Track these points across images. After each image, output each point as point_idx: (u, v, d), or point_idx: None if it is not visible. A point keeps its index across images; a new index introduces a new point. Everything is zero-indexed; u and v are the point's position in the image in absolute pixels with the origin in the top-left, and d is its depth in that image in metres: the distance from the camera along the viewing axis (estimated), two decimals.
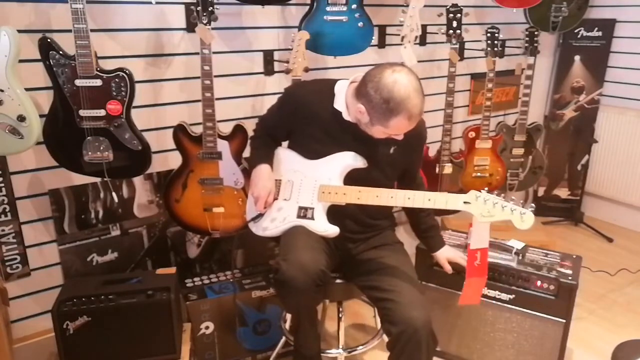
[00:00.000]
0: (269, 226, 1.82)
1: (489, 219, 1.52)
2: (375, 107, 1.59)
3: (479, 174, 2.90)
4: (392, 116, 1.57)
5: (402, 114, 1.56)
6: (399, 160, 1.81)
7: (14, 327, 2.05)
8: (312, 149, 1.81)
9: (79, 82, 1.77)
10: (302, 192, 1.80)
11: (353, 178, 1.76)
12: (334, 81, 1.79)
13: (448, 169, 2.79)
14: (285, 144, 1.95)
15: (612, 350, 2.10)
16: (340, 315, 1.92)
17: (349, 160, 1.76)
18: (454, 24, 2.61)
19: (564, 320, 1.99)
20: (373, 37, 2.39)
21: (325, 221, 1.74)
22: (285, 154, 1.89)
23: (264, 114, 2.02)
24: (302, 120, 1.81)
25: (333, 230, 1.72)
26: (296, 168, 1.83)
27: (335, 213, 1.76)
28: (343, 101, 1.74)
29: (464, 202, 1.54)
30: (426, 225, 1.96)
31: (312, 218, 1.74)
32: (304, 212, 1.76)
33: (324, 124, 1.77)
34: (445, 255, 2.00)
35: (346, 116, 1.74)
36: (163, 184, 2.20)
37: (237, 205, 2.14)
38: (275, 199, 1.84)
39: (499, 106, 3.33)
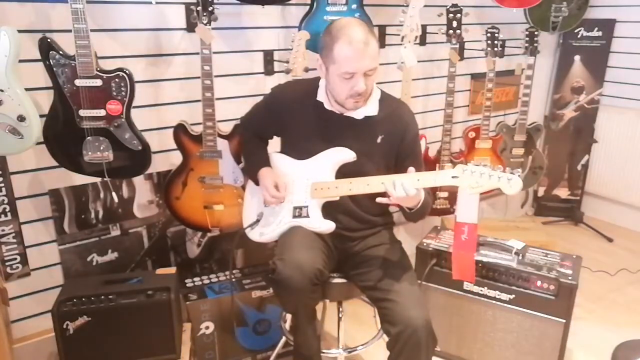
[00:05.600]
0: (265, 231, 1.82)
1: (478, 189, 1.53)
2: (323, 47, 1.67)
3: None
4: (334, 45, 1.62)
5: (342, 39, 1.61)
6: (388, 149, 1.80)
7: (14, 327, 2.05)
8: (302, 149, 1.82)
9: (79, 82, 1.77)
10: (295, 193, 1.80)
11: (345, 173, 1.76)
12: (319, 78, 1.82)
13: (448, 169, 2.79)
14: (275, 147, 1.97)
15: (612, 350, 2.10)
16: (340, 315, 1.92)
17: (339, 155, 1.76)
18: (454, 24, 2.61)
19: (564, 320, 1.99)
20: None
21: (321, 217, 1.74)
22: (275, 159, 1.90)
23: (247, 115, 2.04)
24: (290, 121, 1.84)
25: (328, 226, 1.72)
26: (287, 171, 1.84)
27: (330, 210, 1.77)
28: (324, 91, 1.78)
29: (452, 177, 1.55)
30: None
31: (307, 216, 1.74)
32: (298, 211, 1.76)
33: (309, 119, 1.80)
34: None
35: (328, 105, 1.77)
36: (163, 183, 2.20)
37: (237, 203, 2.14)
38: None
39: (499, 106, 3.33)
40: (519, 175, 1.49)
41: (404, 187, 1.56)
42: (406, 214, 1.75)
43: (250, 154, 2.00)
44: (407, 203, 1.64)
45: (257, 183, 1.92)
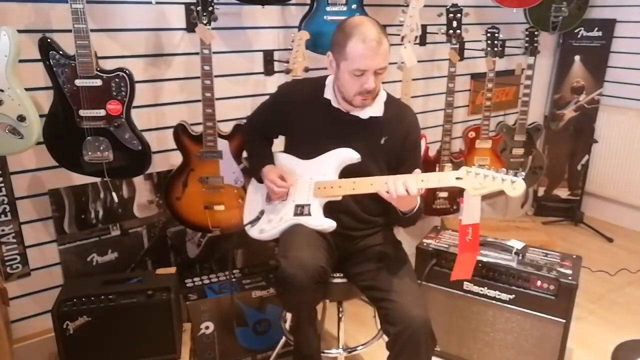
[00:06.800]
0: (266, 227, 1.82)
1: (481, 191, 1.53)
2: (335, 43, 1.68)
3: None
4: (347, 42, 1.63)
5: (355, 37, 1.62)
6: (390, 151, 1.81)
7: (14, 327, 2.05)
8: (306, 147, 1.83)
9: (79, 82, 1.77)
10: (299, 191, 1.80)
11: (348, 172, 1.76)
12: (327, 76, 1.84)
13: (448, 169, 2.79)
14: (279, 147, 1.96)
15: (612, 350, 2.10)
16: (340, 315, 1.92)
17: (343, 156, 1.76)
18: (454, 24, 2.61)
19: (564, 320, 1.99)
20: None
21: (322, 216, 1.74)
22: (279, 158, 1.91)
23: (253, 114, 2.05)
24: (295, 119, 1.84)
25: (329, 224, 1.72)
26: (291, 170, 1.84)
27: (331, 209, 1.77)
28: (331, 89, 1.79)
29: (456, 178, 1.55)
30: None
31: (309, 214, 1.74)
32: (300, 209, 1.76)
33: (315, 117, 1.80)
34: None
35: (335, 103, 1.78)
36: (163, 183, 2.20)
37: (237, 203, 2.14)
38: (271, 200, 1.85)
39: (499, 106, 3.33)
40: (522, 178, 1.49)
41: (407, 186, 1.56)
42: (398, 218, 1.74)
43: (254, 152, 2.01)
44: (405, 206, 1.64)
45: (260, 181, 1.92)
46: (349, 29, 1.64)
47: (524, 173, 1.51)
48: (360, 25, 1.64)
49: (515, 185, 1.48)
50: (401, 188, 1.56)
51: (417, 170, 1.61)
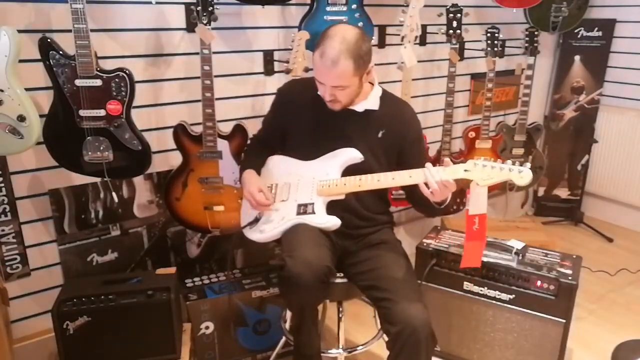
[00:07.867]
0: (266, 228, 1.80)
1: (489, 181, 1.56)
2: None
3: None
4: (315, 49, 1.65)
5: (319, 48, 1.63)
6: (389, 146, 1.81)
7: (14, 327, 2.05)
8: (306, 147, 1.83)
9: (79, 82, 1.77)
10: (300, 191, 1.80)
11: (348, 169, 1.77)
12: None
13: None
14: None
15: (612, 350, 2.10)
16: (340, 315, 1.92)
17: (347, 156, 1.77)
18: (454, 24, 2.61)
19: (564, 320, 1.99)
20: (373, 37, 2.39)
21: (326, 214, 1.74)
22: (279, 160, 1.91)
23: (259, 130, 2.06)
24: (296, 117, 1.85)
25: (334, 222, 1.71)
26: (292, 171, 1.84)
27: (334, 208, 1.76)
28: None
29: (465, 170, 1.59)
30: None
31: (313, 212, 1.73)
32: (303, 208, 1.76)
33: (315, 113, 1.81)
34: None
35: None
36: (163, 183, 2.20)
37: (237, 204, 2.14)
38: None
39: (499, 106, 3.33)
40: (529, 168, 1.51)
41: (435, 177, 1.58)
42: (432, 209, 1.75)
43: (247, 158, 2.03)
44: (442, 196, 1.64)
45: None
46: (322, 37, 1.65)
47: (529, 164, 1.53)
48: (330, 38, 1.63)
49: (522, 174, 1.51)
50: (432, 180, 1.58)
51: (428, 164, 1.63)
